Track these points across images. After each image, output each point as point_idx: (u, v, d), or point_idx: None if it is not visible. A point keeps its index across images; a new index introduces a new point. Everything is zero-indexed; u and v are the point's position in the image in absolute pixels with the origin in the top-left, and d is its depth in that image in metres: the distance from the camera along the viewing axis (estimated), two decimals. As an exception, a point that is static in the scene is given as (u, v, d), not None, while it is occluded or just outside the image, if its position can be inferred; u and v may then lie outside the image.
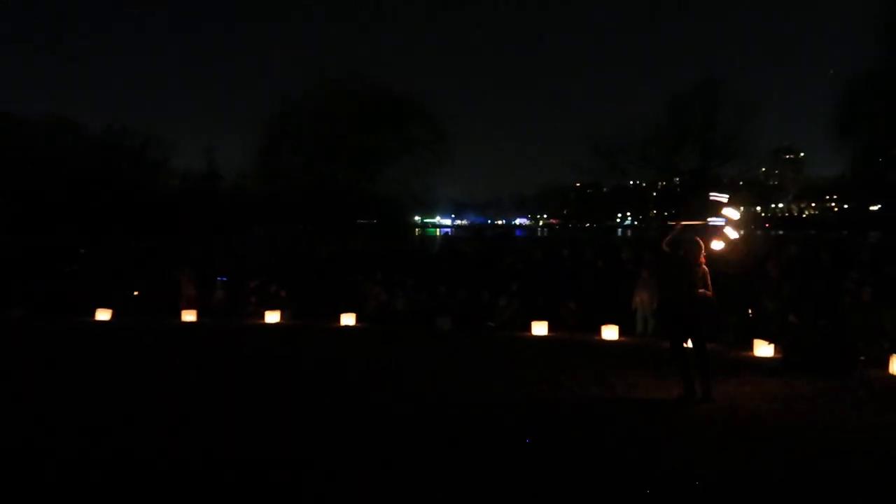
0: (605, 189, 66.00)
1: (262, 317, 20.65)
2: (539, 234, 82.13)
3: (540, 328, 18.88)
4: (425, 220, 61.22)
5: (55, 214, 38.18)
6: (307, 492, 7.44)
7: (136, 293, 22.07)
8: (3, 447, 8.72)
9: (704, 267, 11.31)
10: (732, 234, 11.70)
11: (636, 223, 68.22)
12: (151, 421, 10.01)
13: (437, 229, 63.58)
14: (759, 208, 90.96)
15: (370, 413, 10.60)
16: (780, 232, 60.85)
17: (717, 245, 11.71)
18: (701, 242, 11.42)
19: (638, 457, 8.50)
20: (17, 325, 19.83)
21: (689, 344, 11.24)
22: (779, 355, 14.99)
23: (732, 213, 11.78)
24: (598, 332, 17.97)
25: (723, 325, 17.11)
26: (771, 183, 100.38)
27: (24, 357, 15.49)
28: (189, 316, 20.82)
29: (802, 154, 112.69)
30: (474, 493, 7.28)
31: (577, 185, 67.00)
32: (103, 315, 20.62)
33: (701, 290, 11.13)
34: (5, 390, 12.05)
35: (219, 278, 22.35)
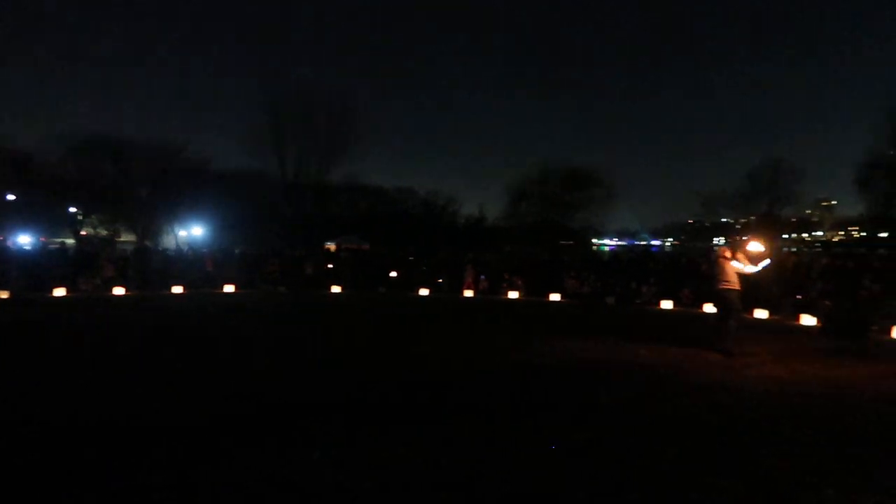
0: (706, 223, 63.64)
1: (507, 294, 20.98)
2: (667, 250, 79.05)
3: (667, 304, 18.43)
4: (599, 241, 60.92)
5: (399, 238, 40.19)
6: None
7: (439, 280, 22.77)
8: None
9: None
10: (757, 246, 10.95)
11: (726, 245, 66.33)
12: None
13: (606, 247, 62.73)
14: (805, 235, 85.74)
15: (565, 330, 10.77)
16: (819, 249, 56.53)
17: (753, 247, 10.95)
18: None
19: (733, 374, 8.28)
20: (382, 296, 21.01)
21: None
22: (818, 325, 14.06)
23: (758, 246, 10.99)
24: (702, 307, 17.33)
25: (782, 304, 16.20)
26: (813, 220, 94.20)
27: (398, 310, 16.59)
28: (468, 293, 21.47)
29: (834, 202, 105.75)
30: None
31: (690, 221, 65.32)
32: (423, 291, 21.50)
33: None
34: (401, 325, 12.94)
35: (481, 276, 22.62)
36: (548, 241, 38.95)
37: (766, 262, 10.94)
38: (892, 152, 31.67)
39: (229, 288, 21.13)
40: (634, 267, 22.15)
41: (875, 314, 13.65)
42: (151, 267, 22.60)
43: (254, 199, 40.70)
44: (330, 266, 24.52)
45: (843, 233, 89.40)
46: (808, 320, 14.70)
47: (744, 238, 11.28)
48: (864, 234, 55.45)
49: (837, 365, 9.54)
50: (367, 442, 5.31)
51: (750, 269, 10.60)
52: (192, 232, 40.48)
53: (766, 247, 11.12)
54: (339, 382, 7.86)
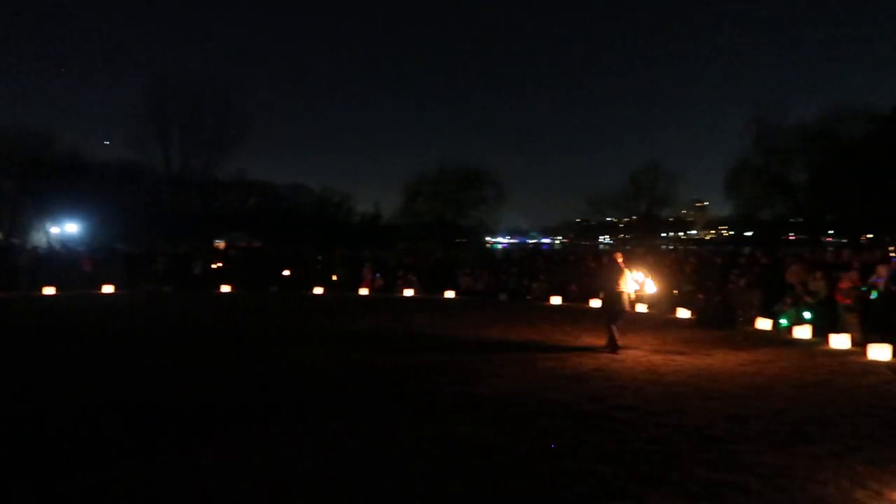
0: (592, 222, 66.75)
1: (402, 291, 20.96)
2: (557, 248, 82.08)
3: (556, 300, 19.07)
4: (492, 239, 62.36)
5: (294, 237, 39.12)
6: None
7: (335, 277, 22.40)
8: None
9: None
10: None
11: (611, 242, 69.36)
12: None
13: (499, 244, 64.29)
14: (681, 234, 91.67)
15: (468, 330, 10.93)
16: (693, 247, 60.75)
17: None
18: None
19: (607, 369, 8.67)
20: (274, 296, 20.42)
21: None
22: (692, 317, 15.05)
23: (641, 276, 11.45)
24: (588, 302, 17.96)
25: (660, 299, 17.21)
26: (687, 219, 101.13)
27: (288, 310, 16.18)
28: (364, 291, 21.25)
29: (707, 203, 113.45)
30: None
31: (578, 220, 68.29)
32: (318, 290, 21.07)
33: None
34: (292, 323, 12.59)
35: (377, 274, 22.30)
36: (442, 239, 39.44)
37: (648, 286, 11.58)
38: (757, 157, 34.49)
39: (109, 288, 19.89)
40: (525, 264, 22.80)
41: (741, 306, 14.80)
42: (19, 266, 20.90)
43: (136, 195, 38.43)
44: (219, 265, 23.63)
45: (714, 232, 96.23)
46: (683, 313, 15.71)
47: (632, 270, 11.32)
48: (733, 232, 60.05)
49: (708, 353, 10.28)
50: (256, 443, 5.22)
51: (633, 286, 11.19)
52: (66, 229, 37.64)
53: (647, 276, 11.77)
54: (228, 385, 7.64)
